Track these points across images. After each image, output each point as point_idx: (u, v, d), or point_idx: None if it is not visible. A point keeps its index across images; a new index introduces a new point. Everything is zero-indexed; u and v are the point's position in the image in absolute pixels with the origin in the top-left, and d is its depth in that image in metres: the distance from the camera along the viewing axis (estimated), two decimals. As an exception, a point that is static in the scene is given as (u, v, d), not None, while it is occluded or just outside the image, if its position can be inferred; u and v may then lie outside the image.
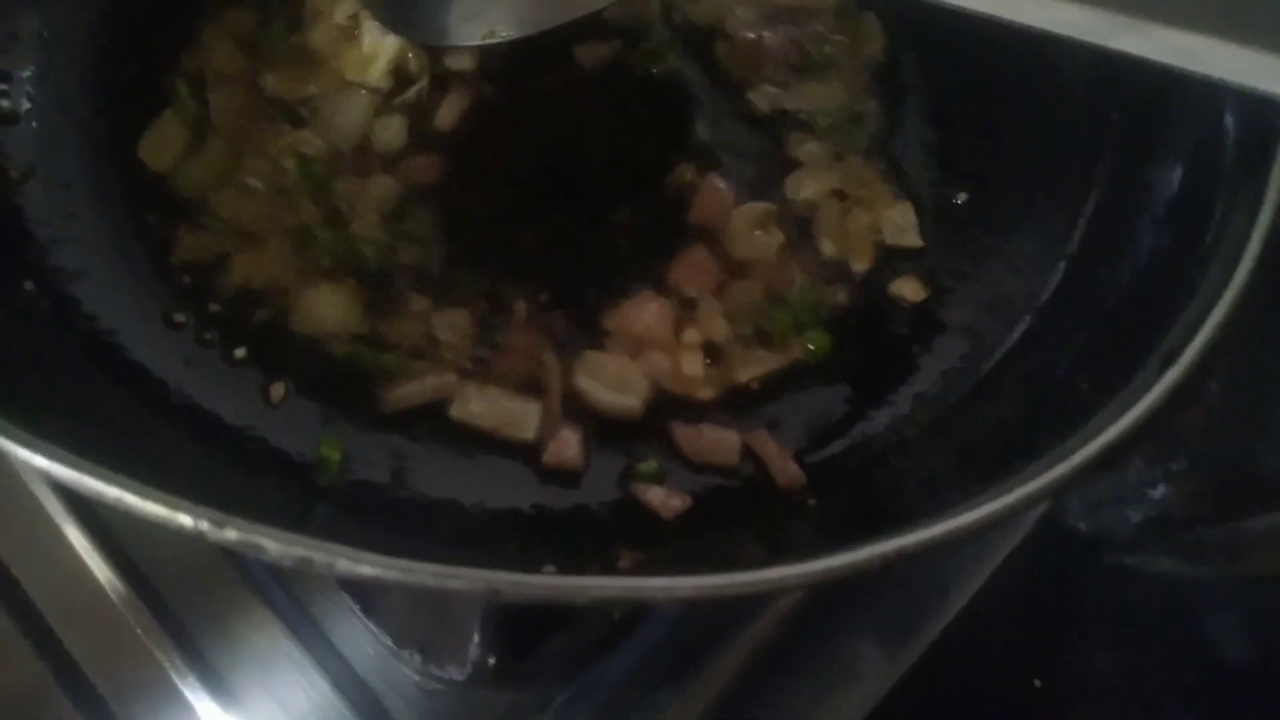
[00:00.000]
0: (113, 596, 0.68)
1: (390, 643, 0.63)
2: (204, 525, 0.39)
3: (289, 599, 0.69)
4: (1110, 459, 0.45)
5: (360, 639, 0.67)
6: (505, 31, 0.63)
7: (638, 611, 0.66)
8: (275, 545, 0.39)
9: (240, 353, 0.60)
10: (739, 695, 0.66)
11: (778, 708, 0.66)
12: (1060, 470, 0.44)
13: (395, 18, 0.67)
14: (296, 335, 0.61)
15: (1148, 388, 0.46)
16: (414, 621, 0.62)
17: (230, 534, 0.39)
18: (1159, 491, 0.47)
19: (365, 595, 0.63)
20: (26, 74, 0.64)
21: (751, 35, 0.75)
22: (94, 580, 0.68)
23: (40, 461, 0.40)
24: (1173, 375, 0.46)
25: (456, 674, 0.62)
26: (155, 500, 0.39)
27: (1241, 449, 0.48)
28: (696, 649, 0.67)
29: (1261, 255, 0.50)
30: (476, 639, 0.60)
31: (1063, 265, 0.63)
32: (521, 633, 0.62)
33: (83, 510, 0.69)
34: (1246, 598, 0.79)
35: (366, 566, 0.39)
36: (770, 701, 0.66)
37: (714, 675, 0.66)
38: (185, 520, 0.39)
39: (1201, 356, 0.47)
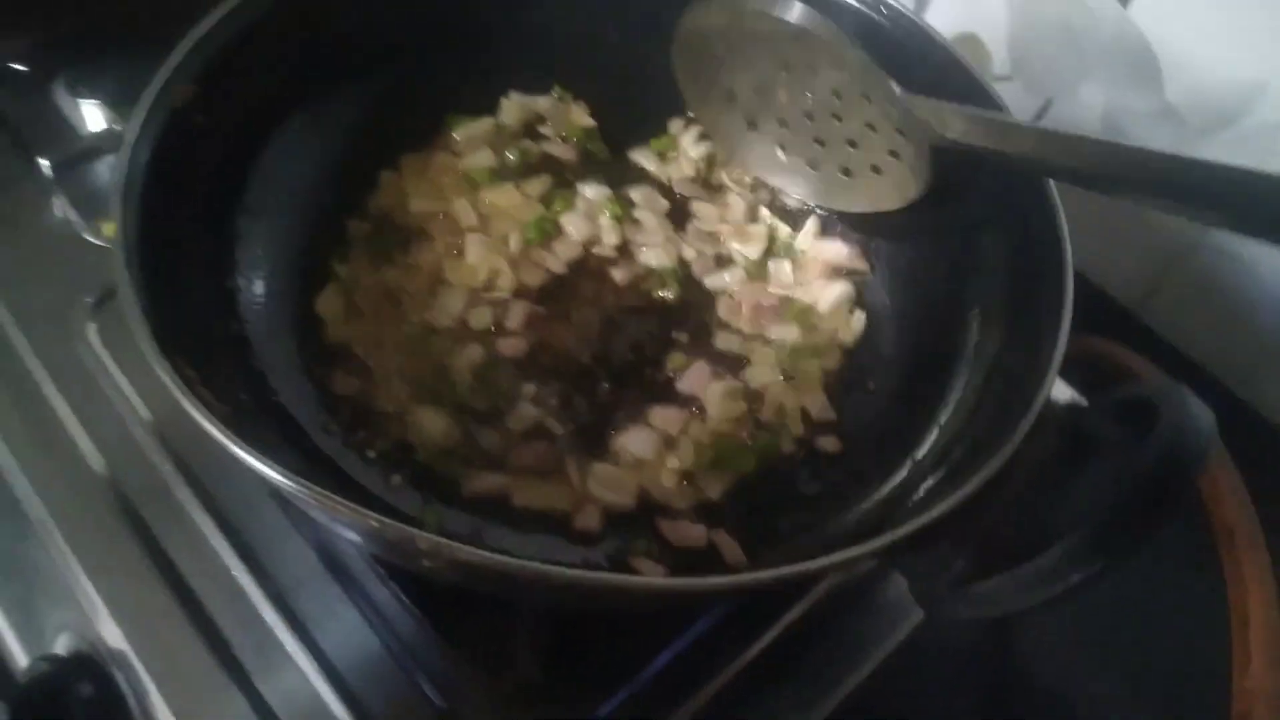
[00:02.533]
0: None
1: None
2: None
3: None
4: (923, 541, 0.70)
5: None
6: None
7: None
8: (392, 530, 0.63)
9: (371, 454, 0.86)
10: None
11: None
12: (880, 541, 0.69)
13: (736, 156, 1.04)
14: (409, 445, 0.88)
15: (949, 501, 0.72)
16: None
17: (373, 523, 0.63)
18: (958, 565, 0.73)
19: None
20: (253, 269, 0.92)
21: (733, 299, 1.02)
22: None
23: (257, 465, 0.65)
24: (961, 494, 0.70)
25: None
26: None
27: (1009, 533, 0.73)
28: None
29: (1038, 421, 0.77)
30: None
31: (933, 435, 0.89)
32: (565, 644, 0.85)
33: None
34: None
35: (465, 553, 0.65)
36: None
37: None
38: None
39: (982, 486, 0.71)
